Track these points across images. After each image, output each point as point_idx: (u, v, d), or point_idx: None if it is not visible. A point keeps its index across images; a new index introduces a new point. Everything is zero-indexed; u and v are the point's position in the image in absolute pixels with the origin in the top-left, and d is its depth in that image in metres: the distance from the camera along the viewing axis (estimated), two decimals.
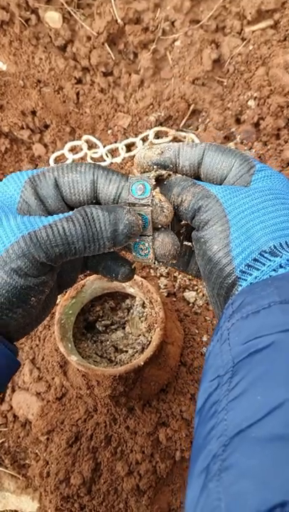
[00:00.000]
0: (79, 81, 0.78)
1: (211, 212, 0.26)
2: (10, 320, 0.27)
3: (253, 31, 0.74)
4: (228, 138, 0.74)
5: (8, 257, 0.25)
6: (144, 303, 0.58)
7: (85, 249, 0.27)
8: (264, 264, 0.24)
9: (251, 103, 0.73)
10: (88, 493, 0.55)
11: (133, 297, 0.60)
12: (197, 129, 0.76)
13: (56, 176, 0.29)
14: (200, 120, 0.76)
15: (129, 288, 0.57)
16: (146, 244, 0.29)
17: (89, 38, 0.76)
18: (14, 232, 0.25)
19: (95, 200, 0.30)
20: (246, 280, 0.25)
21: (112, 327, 0.60)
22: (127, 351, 0.57)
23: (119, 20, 0.74)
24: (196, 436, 0.21)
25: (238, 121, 0.74)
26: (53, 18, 0.76)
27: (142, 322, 0.58)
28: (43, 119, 0.76)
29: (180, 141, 0.75)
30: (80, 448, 0.58)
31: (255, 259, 0.25)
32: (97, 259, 0.33)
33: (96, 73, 0.78)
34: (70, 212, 0.27)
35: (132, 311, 0.60)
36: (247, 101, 0.73)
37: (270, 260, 0.24)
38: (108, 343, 0.58)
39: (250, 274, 0.25)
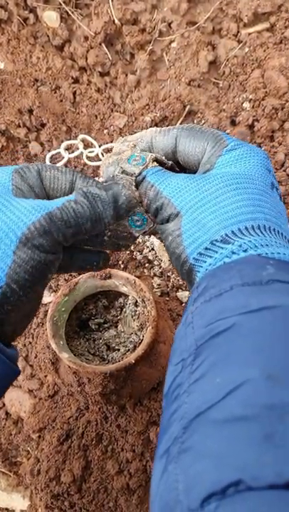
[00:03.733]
0: (76, 80, 0.79)
1: (165, 212, 0.28)
2: (23, 304, 0.28)
3: (249, 34, 0.74)
4: None
5: (30, 234, 0.26)
6: (136, 302, 0.58)
7: (93, 228, 0.29)
8: (216, 252, 0.25)
9: (246, 105, 0.73)
10: (78, 491, 0.56)
11: (126, 296, 0.60)
12: None
13: (40, 168, 0.31)
14: (195, 121, 0.77)
15: (122, 287, 0.57)
16: (141, 216, 0.31)
17: (86, 38, 0.77)
18: (31, 212, 0.27)
19: None
20: (202, 266, 0.26)
21: (105, 325, 0.61)
22: (119, 349, 0.57)
23: (116, 21, 0.75)
24: (162, 419, 0.21)
25: (233, 123, 0.75)
26: (50, 17, 0.76)
27: (134, 321, 0.58)
28: (39, 117, 0.76)
29: None
30: (71, 446, 0.58)
31: (206, 248, 0.26)
32: (73, 257, 0.34)
33: (93, 73, 0.78)
34: (72, 196, 0.29)
35: (124, 309, 0.60)
36: (242, 103, 0.73)
37: (222, 248, 0.25)
38: (101, 341, 0.59)
39: (204, 261, 0.26)
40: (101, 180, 0.32)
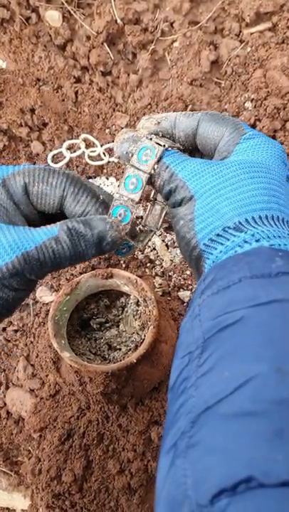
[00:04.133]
0: (78, 80, 0.79)
1: (179, 195, 0.28)
2: None
3: (251, 33, 0.74)
4: None
5: (1, 274, 0.26)
6: (138, 301, 0.58)
7: (70, 265, 0.29)
8: (228, 239, 0.25)
9: (248, 105, 0.73)
10: (79, 490, 0.55)
11: (128, 295, 0.60)
12: None
13: (26, 182, 0.29)
14: None
15: (124, 286, 0.57)
16: (127, 244, 0.31)
17: (88, 38, 0.77)
18: (7, 251, 0.26)
19: (60, 211, 0.31)
20: (212, 254, 0.26)
21: (107, 325, 0.61)
22: (120, 349, 0.57)
23: (118, 21, 0.75)
24: (168, 413, 0.21)
25: None
26: (53, 17, 0.76)
27: (135, 320, 0.58)
28: (41, 117, 0.77)
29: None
30: (72, 445, 0.58)
31: (218, 235, 0.25)
32: None
33: (95, 73, 0.78)
34: (55, 229, 0.27)
35: (126, 309, 0.60)
36: (244, 102, 0.73)
37: (234, 236, 0.25)
38: (102, 340, 0.59)
39: (215, 248, 0.25)
40: (114, 157, 0.32)
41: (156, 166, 0.29)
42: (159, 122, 0.31)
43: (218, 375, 0.18)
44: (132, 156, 0.30)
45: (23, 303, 0.33)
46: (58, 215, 0.31)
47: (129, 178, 0.30)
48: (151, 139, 0.30)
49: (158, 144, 0.29)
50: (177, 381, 0.21)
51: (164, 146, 0.29)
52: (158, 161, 0.29)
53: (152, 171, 0.29)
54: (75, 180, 0.30)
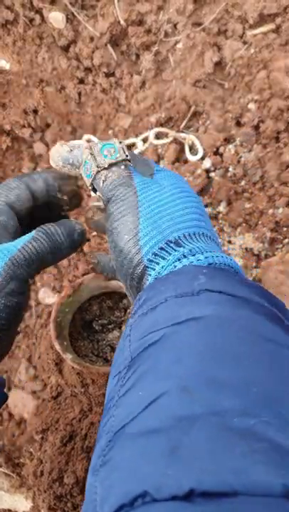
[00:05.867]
0: (81, 81, 0.79)
1: (125, 202, 0.28)
2: (2, 341, 0.30)
3: (255, 35, 0.74)
4: (227, 140, 0.74)
5: (1, 285, 0.28)
6: None
7: (53, 260, 0.31)
8: (170, 254, 0.26)
9: (251, 106, 0.73)
10: (81, 492, 0.55)
11: None
12: (197, 130, 0.76)
13: (4, 199, 0.32)
14: (200, 122, 0.76)
15: None
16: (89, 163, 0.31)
17: (92, 39, 0.77)
18: None
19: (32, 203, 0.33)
20: (154, 269, 0.26)
21: (109, 326, 0.60)
22: None
23: (122, 22, 0.75)
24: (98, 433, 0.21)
25: (238, 124, 0.74)
26: (56, 18, 0.77)
27: None
28: (44, 118, 0.77)
29: (180, 142, 0.75)
30: (74, 447, 0.57)
31: (161, 248, 0.26)
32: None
33: (98, 74, 0.78)
34: (32, 233, 0.30)
35: (128, 310, 0.60)
36: (247, 104, 0.73)
37: (174, 250, 0.26)
38: (104, 342, 0.58)
39: (157, 263, 0.26)
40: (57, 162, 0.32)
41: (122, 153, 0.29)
42: (71, 150, 0.32)
43: (135, 394, 0.19)
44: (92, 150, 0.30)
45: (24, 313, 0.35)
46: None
47: (86, 164, 0.30)
48: (120, 142, 0.30)
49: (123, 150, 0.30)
50: (106, 400, 0.22)
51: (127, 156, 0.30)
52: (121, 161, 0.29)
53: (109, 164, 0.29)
54: (25, 173, 0.33)
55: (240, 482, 0.13)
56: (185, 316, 0.20)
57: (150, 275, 0.26)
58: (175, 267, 0.25)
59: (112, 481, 0.15)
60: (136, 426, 0.17)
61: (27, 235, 0.30)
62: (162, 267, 0.25)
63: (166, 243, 0.26)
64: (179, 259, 0.25)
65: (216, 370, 0.17)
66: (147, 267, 0.26)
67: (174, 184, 0.30)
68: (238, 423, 0.15)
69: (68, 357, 0.50)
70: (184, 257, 0.25)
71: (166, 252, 0.26)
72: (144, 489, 0.14)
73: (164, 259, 0.26)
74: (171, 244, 0.26)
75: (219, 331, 0.19)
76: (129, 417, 0.17)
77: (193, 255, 0.25)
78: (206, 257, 0.25)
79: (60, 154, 0.31)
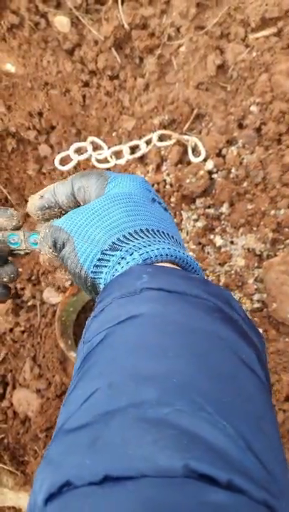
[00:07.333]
0: (86, 84, 0.80)
1: (60, 239, 0.31)
2: None
3: (257, 38, 0.75)
4: (230, 142, 0.75)
5: None
6: None
7: None
8: (109, 261, 0.27)
9: (254, 108, 0.74)
10: None
11: None
12: (200, 132, 0.77)
13: None
14: (203, 124, 0.77)
15: None
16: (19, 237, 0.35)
17: (96, 43, 0.78)
18: None
19: None
20: (101, 278, 0.28)
21: None
22: None
23: (126, 26, 0.76)
24: None
25: (240, 126, 0.75)
26: (61, 22, 0.78)
27: None
28: (49, 120, 0.78)
29: (183, 144, 0.76)
30: None
31: (100, 259, 0.28)
32: None
33: (102, 77, 0.79)
34: None
35: None
36: (249, 106, 0.74)
37: (112, 255, 0.27)
38: None
39: (101, 272, 0.28)
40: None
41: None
42: (42, 196, 0.34)
43: (75, 393, 0.20)
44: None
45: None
46: None
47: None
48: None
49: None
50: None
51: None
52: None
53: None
54: None
55: (148, 467, 0.15)
56: (125, 315, 0.21)
57: (100, 284, 0.28)
58: (116, 270, 0.27)
59: (45, 474, 0.17)
60: (71, 423, 0.18)
61: None
62: (106, 274, 0.27)
63: (103, 253, 0.28)
64: (119, 263, 0.27)
65: (143, 365, 0.19)
66: (93, 278, 0.28)
67: (114, 195, 0.31)
68: (152, 413, 0.16)
69: (73, 355, 0.50)
70: (122, 258, 0.27)
71: (105, 260, 0.28)
72: (67, 479, 0.16)
73: (105, 267, 0.28)
74: (108, 252, 0.28)
75: (151, 327, 0.21)
76: (68, 415, 0.19)
77: (131, 254, 0.26)
78: (140, 254, 0.26)
79: (34, 204, 0.34)
